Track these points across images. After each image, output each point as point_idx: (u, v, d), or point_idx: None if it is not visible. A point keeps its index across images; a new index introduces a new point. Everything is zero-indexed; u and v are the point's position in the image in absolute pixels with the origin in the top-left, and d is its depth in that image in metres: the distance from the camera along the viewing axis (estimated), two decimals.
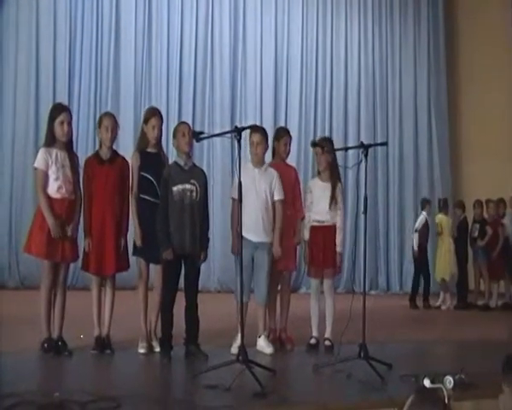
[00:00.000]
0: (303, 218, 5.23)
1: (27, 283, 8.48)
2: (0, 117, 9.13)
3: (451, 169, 11.69)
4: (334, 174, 5.18)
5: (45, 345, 4.42)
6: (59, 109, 4.66)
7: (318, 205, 5.14)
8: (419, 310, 8.58)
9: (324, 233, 5.12)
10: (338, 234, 5.10)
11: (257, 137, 4.92)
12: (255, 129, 5.02)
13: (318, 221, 5.15)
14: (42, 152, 4.52)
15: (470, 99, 11.61)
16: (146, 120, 4.81)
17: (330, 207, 5.09)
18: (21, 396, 3.13)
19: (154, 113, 4.88)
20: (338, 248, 5.10)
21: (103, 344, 4.57)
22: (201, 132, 4.76)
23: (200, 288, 4.85)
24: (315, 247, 5.15)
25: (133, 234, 4.71)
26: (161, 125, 4.84)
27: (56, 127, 4.53)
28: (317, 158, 5.27)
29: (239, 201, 4.07)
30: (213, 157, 10.26)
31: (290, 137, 5.38)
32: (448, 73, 11.85)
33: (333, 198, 5.09)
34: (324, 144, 5.19)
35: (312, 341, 5.10)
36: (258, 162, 4.96)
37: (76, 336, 4.63)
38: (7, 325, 5.49)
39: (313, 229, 5.16)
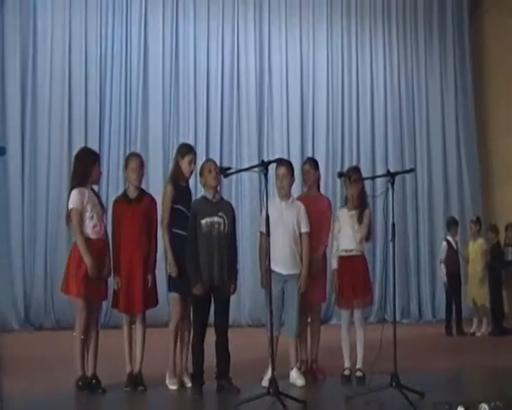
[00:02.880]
0: (325, 247, 5.26)
1: (62, 323, 8.61)
2: (35, 158, 9.38)
3: (482, 192, 11.56)
4: (361, 202, 5.19)
5: (80, 383, 4.49)
6: (95, 155, 4.88)
7: (345, 234, 5.16)
8: (453, 337, 8.44)
9: (353, 263, 5.11)
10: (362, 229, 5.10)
11: (282, 170, 4.99)
12: (281, 162, 5.08)
13: (346, 251, 5.15)
14: (76, 193, 4.62)
15: (499, 120, 11.53)
16: (183, 155, 4.92)
17: (355, 236, 5.08)
18: None
19: (190, 149, 5.02)
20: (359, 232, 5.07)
21: (136, 381, 4.62)
22: (229, 168, 4.88)
23: (230, 322, 4.89)
24: (344, 277, 5.13)
25: (162, 269, 4.78)
26: (195, 161, 4.96)
27: (91, 169, 4.69)
28: (345, 188, 5.33)
29: (267, 234, 4.13)
30: (242, 191, 10.34)
31: (312, 165, 5.40)
32: (476, 93, 11.77)
33: (359, 227, 5.09)
34: (351, 174, 5.24)
35: (346, 372, 5.07)
36: (285, 195, 5.02)
37: (110, 374, 4.68)
38: (44, 364, 5.62)
39: (341, 259, 5.16)
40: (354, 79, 11.25)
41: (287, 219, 4.92)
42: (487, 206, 11.54)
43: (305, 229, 4.97)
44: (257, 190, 10.29)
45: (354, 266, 5.10)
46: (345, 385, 4.91)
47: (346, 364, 5.10)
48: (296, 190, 5.35)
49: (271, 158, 4.91)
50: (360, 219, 5.10)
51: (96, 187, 4.97)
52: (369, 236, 5.20)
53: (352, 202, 5.20)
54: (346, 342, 5.13)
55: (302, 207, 5.02)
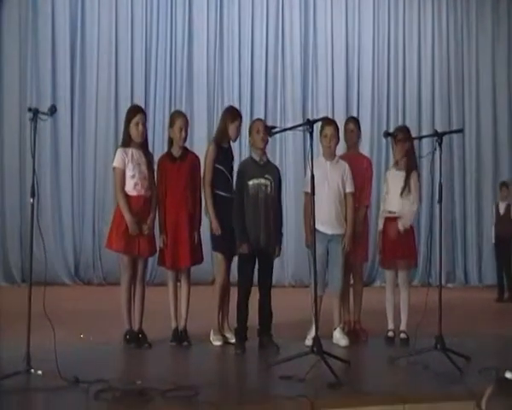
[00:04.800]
0: (367, 207, 5.21)
1: (110, 279, 8.84)
2: (83, 120, 9.55)
3: None
4: (409, 163, 5.08)
5: (127, 337, 4.61)
6: (134, 111, 4.84)
7: (391, 195, 5.09)
8: (502, 303, 8.28)
9: (397, 224, 5.03)
10: (404, 216, 5.00)
11: (330, 130, 4.92)
12: (328, 122, 5.03)
13: (391, 212, 5.08)
14: (119, 152, 4.72)
15: None
16: (232, 119, 4.91)
17: (402, 196, 5.00)
18: (108, 383, 3.31)
19: (239, 114, 5.02)
20: (399, 226, 4.98)
21: (181, 337, 4.71)
22: (274, 127, 4.86)
23: (274, 283, 4.91)
24: (387, 238, 5.08)
25: (206, 227, 4.82)
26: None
27: (132, 128, 4.71)
28: (392, 148, 5.23)
29: (312, 194, 4.10)
30: (285, 152, 10.31)
31: (356, 124, 5.33)
32: None
33: (405, 187, 5.00)
34: (397, 133, 5.13)
35: (390, 333, 5.05)
36: (331, 155, 4.97)
37: (156, 329, 4.78)
38: (93, 319, 5.79)
39: (386, 220, 5.11)
40: (401, 38, 10.98)
41: (332, 178, 4.88)
42: None
43: (349, 189, 4.93)
44: (300, 151, 10.32)
45: (396, 228, 5.01)
46: (388, 346, 4.90)
47: (390, 325, 5.08)
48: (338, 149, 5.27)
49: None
50: (407, 181, 5.00)
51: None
52: (418, 199, 5.10)
53: (401, 161, 5.11)
54: (390, 303, 5.11)
55: (347, 167, 4.96)
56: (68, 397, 3.20)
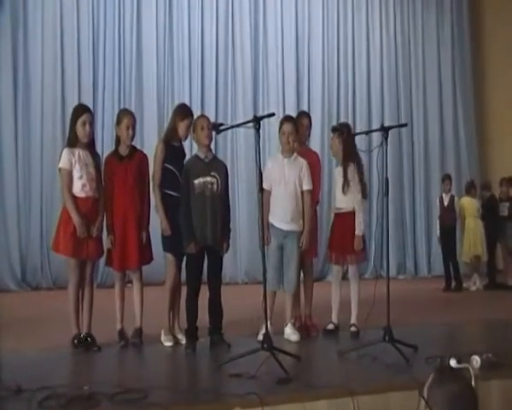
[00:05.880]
0: (317, 203, 5.26)
1: (59, 283, 8.64)
2: (28, 119, 9.29)
3: (478, 148, 11.52)
4: (344, 158, 5.13)
5: (75, 341, 4.52)
6: (80, 110, 4.73)
7: (335, 191, 5.19)
8: (449, 293, 8.50)
9: (343, 220, 5.11)
10: (356, 218, 5.06)
11: (288, 127, 4.93)
12: (286, 119, 5.04)
13: (337, 208, 5.17)
14: (65, 152, 4.61)
15: (496, 76, 11.41)
16: (182, 118, 4.83)
17: (344, 192, 5.07)
18: (53, 389, 3.23)
19: (190, 112, 4.93)
20: (356, 232, 5.05)
21: (124, 336, 4.68)
22: (221, 124, 4.82)
23: (227, 280, 4.92)
24: (334, 233, 5.17)
25: (156, 227, 4.77)
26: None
27: (78, 128, 4.61)
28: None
29: (260, 190, 4.11)
30: (237, 148, 10.28)
31: (310, 120, 5.38)
32: (473, 50, 11.65)
33: (345, 182, 5.06)
34: (332, 129, 5.22)
35: (330, 326, 5.13)
36: (289, 152, 4.95)
37: (105, 332, 4.70)
38: (40, 324, 5.66)
39: (335, 216, 5.21)
40: (350, 34, 11.13)
41: (289, 176, 4.87)
42: (483, 162, 11.52)
43: (307, 186, 4.93)
44: (252, 147, 10.21)
45: (344, 223, 5.09)
46: (329, 339, 4.97)
47: (333, 318, 5.15)
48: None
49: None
50: (345, 179, 5.05)
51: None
52: (363, 192, 5.13)
53: (338, 157, 5.22)
54: (335, 297, 5.17)
55: (305, 163, 4.96)
56: (9, 408, 3.09)
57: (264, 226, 4.75)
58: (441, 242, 8.92)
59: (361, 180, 5.11)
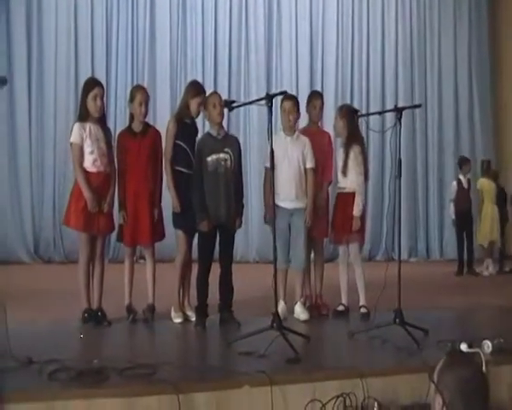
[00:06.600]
0: (330, 183, 5.22)
1: (71, 257, 8.68)
2: (42, 95, 9.30)
3: (494, 131, 11.36)
4: (347, 140, 5.08)
5: (85, 315, 4.54)
6: (91, 84, 4.69)
7: (338, 171, 5.13)
8: (462, 277, 8.44)
9: (344, 200, 5.08)
10: (355, 198, 5.01)
11: (288, 105, 4.89)
12: (287, 97, 4.96)
13: (340, 188, 5.14)
14: (76, 127, 4.59)
15: None
16: (193, 95, 4.79)
17: (343, 173, 5.03)
18: (63, 362, 3.24)
19: (201, 89, 4.87)
20: (354, 212, 5.00)
21: (131, 310, 4.69)
22: (233, 101, 4.76)
23: (238, 259, 4.91)
24: (336, 213, 5.16)
25: (168, 204, 4.76)
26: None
27: (89, 102, 4.58)
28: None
29: (271, 169, 4.07)
30: (250, 126, 10.25)
31: (322, 100, 5.32)
32: (490, 31, 11.45)
33: (345, 163, 5.02)
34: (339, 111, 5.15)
35: (340, 307, 5.11)
36: (290, 130, 4.94)
37: (115, 307, 4.72)
38: (52, 297, 5.70)
39: (337, 196, 5.19)
40: (365, 11, 10.98)
41: (292, 154, 4.85)
42: (498, 145, 11.35)
43: (310, 164, 4.91)
44: (265, 125, 10.14)
45: (344, 203, 5.06)
46: (339, 320, 4.95)
47: (343, 300, 5.13)
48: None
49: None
50: (345, 160, 5.01)
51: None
52: (365, 174, 5.10)
53: (341, 139, 5.17)
54: (342, 278, 5.15)
55: (307, 142, 4.93)
56: (19, 379, 3.11)
57: (266, 205, 4.79)
58: (457, 225, 8.80)
59: (363, 162, 5.06)
